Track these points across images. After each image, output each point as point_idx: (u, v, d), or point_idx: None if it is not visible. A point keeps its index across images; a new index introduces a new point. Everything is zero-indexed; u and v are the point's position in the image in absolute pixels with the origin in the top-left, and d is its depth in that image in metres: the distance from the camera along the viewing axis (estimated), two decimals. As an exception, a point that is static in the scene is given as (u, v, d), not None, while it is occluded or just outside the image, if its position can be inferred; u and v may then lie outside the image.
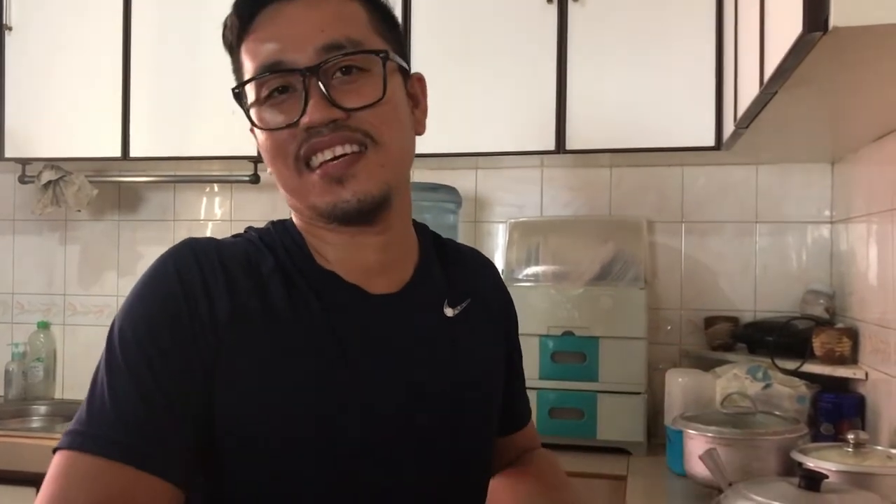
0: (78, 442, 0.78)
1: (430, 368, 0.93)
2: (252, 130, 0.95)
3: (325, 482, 0.85)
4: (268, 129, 0.88)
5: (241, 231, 0.97)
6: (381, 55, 0.88)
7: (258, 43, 0.88)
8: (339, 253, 0.92)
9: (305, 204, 0.89)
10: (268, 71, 0.86)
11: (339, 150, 0.86)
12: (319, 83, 0.85)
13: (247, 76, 0.89)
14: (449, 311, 0.96)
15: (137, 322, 0.83)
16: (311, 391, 0.84)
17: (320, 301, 0.88)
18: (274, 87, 0.87)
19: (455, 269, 1.02)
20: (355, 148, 0.86)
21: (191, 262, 0.85)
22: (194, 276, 0.84)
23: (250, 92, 0.89)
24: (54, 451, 0.80)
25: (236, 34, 0.91)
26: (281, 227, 0.95)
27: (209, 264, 0.85)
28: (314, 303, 0.87)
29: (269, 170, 0.93)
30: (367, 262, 0.92)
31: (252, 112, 0.89)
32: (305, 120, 0.85)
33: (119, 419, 0.78)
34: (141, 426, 0.79)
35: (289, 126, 0.86)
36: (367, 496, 0.87)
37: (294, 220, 0.95)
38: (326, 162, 0.86)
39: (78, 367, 2.87)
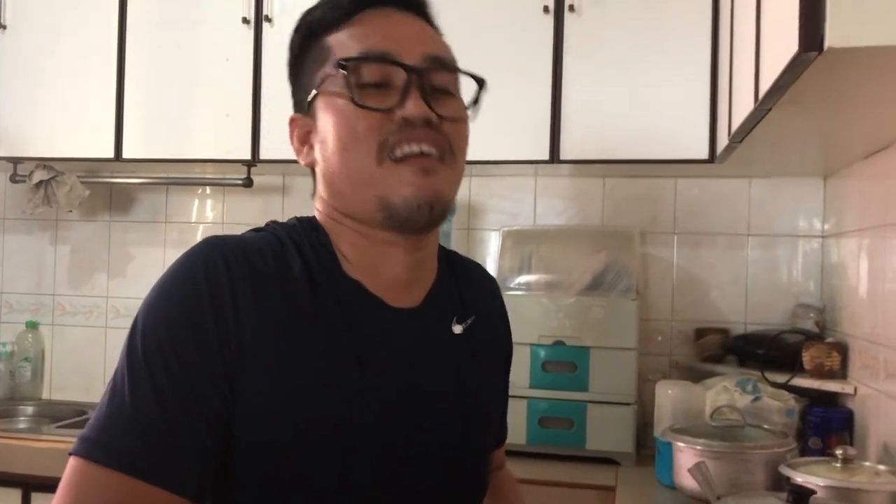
0: (92, 451, 0.78)
1: (440, 385, 0.94)
2: (294, 121, 0.95)
3: (335, 490, 0.85)
4: (364, 107, 0.87)
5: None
6: (480, 83, 0.94)
7: (362, 33, 0.90)
8: (368, 261, 0.91)
9: (375, 194, 0.87)
10: (376, 59, 0.88)
11: (425, 148, 0.87)
12: (423, 83, 0.88)
13: (339, 58, 0.89)
14: (457, 328, 0.97)
15: (159, 323, 0.81)
16: (329, 402, 0.84)
17: (343, 311, 0.88)
18: (373, 78, 0.88)
19: (463, 286, 1.03)
20: (436, 152, 0.88)
21: (219, 263, 0.83)
22: (222, 279, 0.82)
23: (336, 79, 0.89)
24: (70, 454, 0.79)
25: (326, 24, 0.92)
26: (309, 226, 0.93)
27: (237, 266, 0.84)
28: (338, 312, 0.87)
29: (320, 159, 0.91)
30: (395, 276, 0.92)
31: (344, 93, 0.88)
32: (406, 111, 0.86)
33: (135, 427, 0.78)
34: (156, 436, 0.78)
35: (385, 111, 0.87)
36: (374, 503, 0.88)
37: (323, 219, 0.94)
38: (414, 155, 0.87)
39: (66, 368, 2.86)
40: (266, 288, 0.84)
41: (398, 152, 0.86)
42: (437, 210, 0.88)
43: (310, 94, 0.92)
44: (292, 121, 0.96)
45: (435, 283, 0.98)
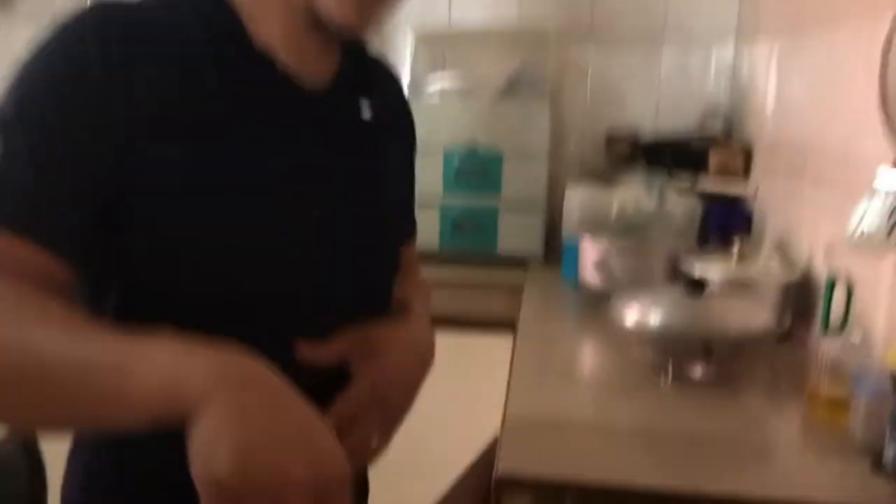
0: None
1: (351, 169, 0.90)
2: None
3: (246, 270, 0.81)
4: None
5: None
6: None
7: None
8: (286, 32, 0.84)
9: None
10: None
11: None
12: None
13: None
14: (366, 114, 0.93)
15: (38, 81, 0.74)
16: (238, 182, 0.79)
17: (251, 89, 0.82)
18: None
19: (369, 71, 0.98)
20: None
21: (113, 26, 0.75)
22: (114, 42, 0.74)
23: None
24: None
25: None
26: None
27: (133, 31, 0.76)
28: (246, 90, 0.81)
29: None
30: (308, 48, 0.86)
31: None
32: None
33: (5, 185, 0.72)
34: (30, 195, 0.72)
35: None
36: (286, 285, 0.84)
37: None
38: None
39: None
40: (165, 55, 0.77)
41: None
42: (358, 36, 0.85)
43: None
44: None
45: (342, 63, 0.92)
